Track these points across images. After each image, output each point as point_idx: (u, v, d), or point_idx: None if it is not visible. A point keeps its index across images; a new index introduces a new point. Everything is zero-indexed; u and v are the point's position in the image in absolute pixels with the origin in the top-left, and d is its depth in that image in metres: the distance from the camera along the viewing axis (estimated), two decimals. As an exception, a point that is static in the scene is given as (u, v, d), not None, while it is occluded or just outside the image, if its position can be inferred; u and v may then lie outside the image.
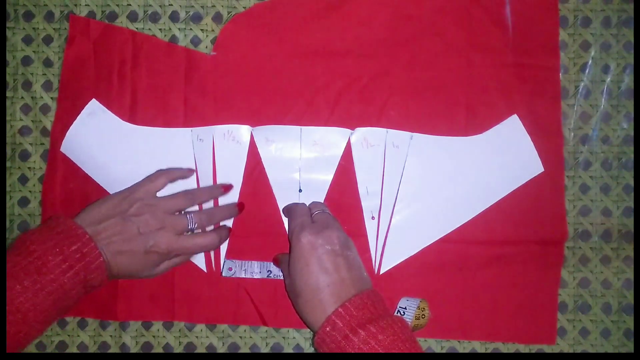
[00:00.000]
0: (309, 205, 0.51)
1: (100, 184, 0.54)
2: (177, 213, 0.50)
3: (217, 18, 0.56)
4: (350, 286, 0.43)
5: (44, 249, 0.43)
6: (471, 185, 0.54)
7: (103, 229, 0.46)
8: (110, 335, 0.54)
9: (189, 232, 0.50)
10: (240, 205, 0.53)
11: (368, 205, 0.54)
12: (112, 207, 0.47)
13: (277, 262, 0.52)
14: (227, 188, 0.53)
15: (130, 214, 0.47)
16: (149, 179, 0.51)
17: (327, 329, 0.41)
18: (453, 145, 0.54)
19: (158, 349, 0.54)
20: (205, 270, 0.54)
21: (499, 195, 0.54)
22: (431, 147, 0.54)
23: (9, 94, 0.56)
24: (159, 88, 0.55)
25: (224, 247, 0.54)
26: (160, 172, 0.51)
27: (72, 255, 0.43)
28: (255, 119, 0.55)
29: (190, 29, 0.56)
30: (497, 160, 0.54)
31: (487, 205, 0.54)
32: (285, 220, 0.53)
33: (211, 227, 0.52)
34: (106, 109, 0.55)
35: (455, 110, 0.54)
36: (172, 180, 0.52)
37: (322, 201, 0.53)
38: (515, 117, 0.54)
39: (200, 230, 0.51)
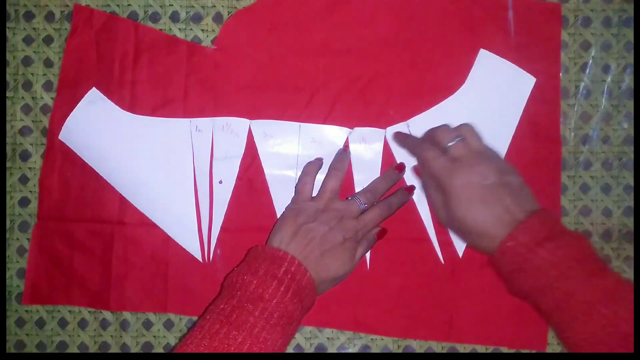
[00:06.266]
0: (436, 132, 0.48)
1: (98, 172, 0.54)
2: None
3: (218, 18, 0.56)
4: (518, 211, 0.43)
5: (258, 277, 0.43)
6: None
7: (297, 244, 0.46)
8: (111, 336, 0.54)
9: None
10: (400, 167, 0.53)
11: None
12: (293, 223, 0.48)
13: (417, 172, 0.53)
14: (400, 168, 0.53)
15: (312, 221, 0.48)
16: (300, 186, 0.52)
17: (509, 243, 0.42)
18: (447, 111, 0.54)
19: (158, 349, 0.54)
20: (200, 260, 0.54)
21: (511, 130, 0.53)
22: None
23: (9, 94, 0.56)
24: (160, 80, 0.55)
25: (214, 239, 0.54)
26: (305, 177, 0.52)
27: (284, 276, 0.44)
28: (254, 114, 0.55)
29: (191, 29, 0.56)
30: (492, 97, 0.54)
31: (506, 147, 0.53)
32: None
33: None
34: (106, 98, 0.55)
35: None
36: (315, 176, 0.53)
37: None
38: (483, 50, 0.54)
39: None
